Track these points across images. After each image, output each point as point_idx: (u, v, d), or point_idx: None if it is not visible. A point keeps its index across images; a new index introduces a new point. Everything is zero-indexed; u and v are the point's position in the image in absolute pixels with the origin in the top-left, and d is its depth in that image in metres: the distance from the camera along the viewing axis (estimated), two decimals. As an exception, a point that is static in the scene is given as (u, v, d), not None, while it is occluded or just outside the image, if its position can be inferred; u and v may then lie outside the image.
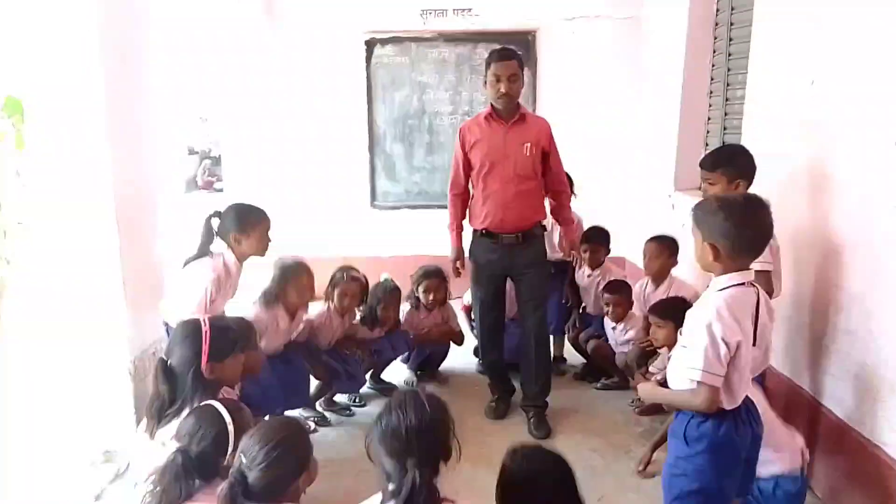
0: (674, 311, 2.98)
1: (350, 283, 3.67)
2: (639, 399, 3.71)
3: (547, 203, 3.65)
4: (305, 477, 1.86)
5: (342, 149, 5.97)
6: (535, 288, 3.52)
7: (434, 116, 6.00)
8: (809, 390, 2.95)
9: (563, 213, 3.69)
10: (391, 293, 3.98)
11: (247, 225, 2.94)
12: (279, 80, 5.78)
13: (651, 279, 3.83)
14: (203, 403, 2.07)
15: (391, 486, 1.55)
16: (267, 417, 2.60)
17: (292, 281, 3.30)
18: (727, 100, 4.29)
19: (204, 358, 2.24)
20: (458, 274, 3.74)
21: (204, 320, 2.34)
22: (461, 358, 4.33)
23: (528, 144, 3.35)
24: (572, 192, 3.82)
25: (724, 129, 4.36)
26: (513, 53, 3.35)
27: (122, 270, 3.03)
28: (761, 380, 2.04)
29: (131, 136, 3.16)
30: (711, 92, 4.57)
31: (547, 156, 3.43)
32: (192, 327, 2.32)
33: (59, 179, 2.94)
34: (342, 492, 2.68)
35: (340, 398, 3.83)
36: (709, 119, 4.64)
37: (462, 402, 3.83)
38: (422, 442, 1.55)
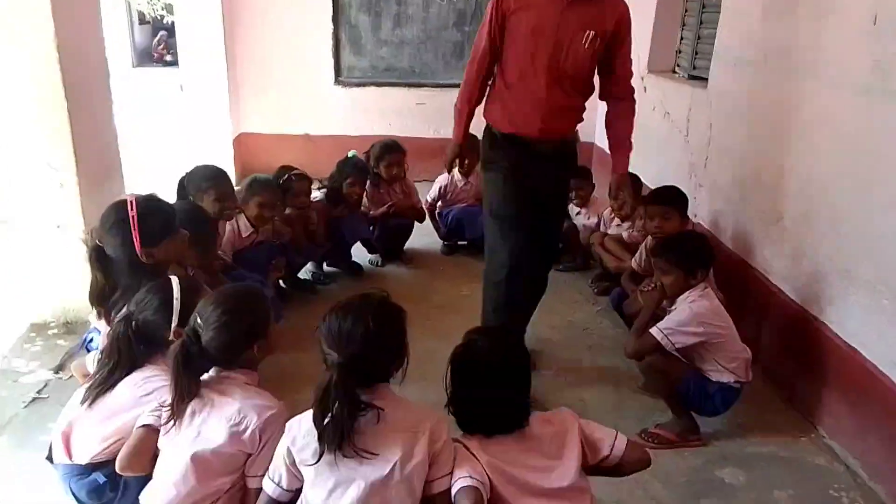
0: (684, 254, 2.50)
1: (301, 181, 3.56)
2: (598, 280, 3.87)
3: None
4: (263, 344, 1.83)
5: (304, 19, 5.66)
6: (559, 208, 3.01)
7: (402, -15, 5.68)
8: (761, 269, 3.06)
9: (625, 130, 2.65)
10: (360, 170, 3.91)
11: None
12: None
13: (619, 217, 3.85)
14: (163, 278, 2.02)
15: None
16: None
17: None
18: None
19: (136, 244, 2.11)
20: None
21: (130, 203, 2.13)
22: (424, 238, 4.36)
23: (591, 33, 2.45)
24: None
25: (703, 6, 4.23)
26: None
27: (74, 144, 2.90)
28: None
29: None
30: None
31: (615, 48, 2.56)
32: (117, 214, 2.14)
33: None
34: (304, 370, 2.56)
35: (304, 276, 3.86)
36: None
37: (427, 280, 3.95)
38: (351, 348, 1.51)
